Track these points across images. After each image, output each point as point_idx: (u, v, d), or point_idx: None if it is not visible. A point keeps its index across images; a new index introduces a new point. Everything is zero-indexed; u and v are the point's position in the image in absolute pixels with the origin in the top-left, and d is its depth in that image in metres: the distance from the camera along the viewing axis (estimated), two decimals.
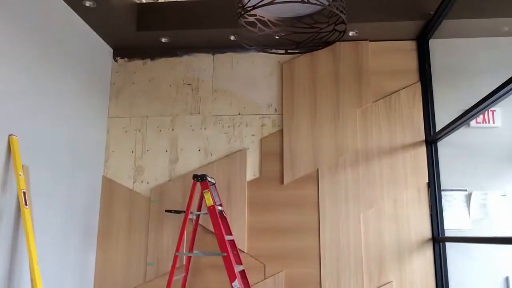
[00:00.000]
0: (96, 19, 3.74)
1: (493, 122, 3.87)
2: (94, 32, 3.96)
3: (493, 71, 3.92)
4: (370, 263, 3.74)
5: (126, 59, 4.34)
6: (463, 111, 3.28)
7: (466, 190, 3.80)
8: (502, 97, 2.67)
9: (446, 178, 3.83)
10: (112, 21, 3.77)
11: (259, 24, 2.56)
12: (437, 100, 3.96)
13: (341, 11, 2.24)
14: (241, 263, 3.65)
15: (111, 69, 4.31)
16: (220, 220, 3.41)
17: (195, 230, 3.79)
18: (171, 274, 3.35)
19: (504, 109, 3.86)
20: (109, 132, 4.19)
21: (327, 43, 2.63)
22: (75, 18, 3.64)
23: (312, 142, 3.97)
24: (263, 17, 2.54)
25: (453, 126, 3.40)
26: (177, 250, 3.38)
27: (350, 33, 3.96)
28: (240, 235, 3.86)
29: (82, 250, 3.71)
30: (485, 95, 2.81)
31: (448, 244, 3.70)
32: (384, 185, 3.83)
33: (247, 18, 2.49)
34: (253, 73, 4.19)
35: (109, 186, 4.07)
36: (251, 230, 3.87)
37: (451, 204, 3.79)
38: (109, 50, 4.29)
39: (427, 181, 3.82)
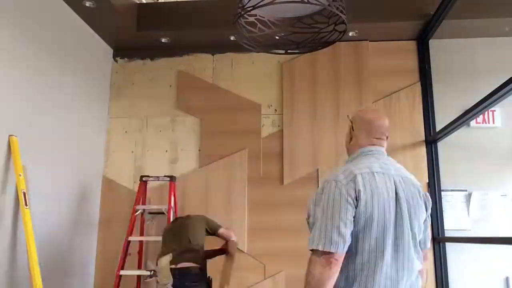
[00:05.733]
0: (96, 19, 3.74)
1: (493, 122, 3.87)
2: (94, 32, 3.96)
3: (493, 71, 3.91)
4: None
5: (126, 59, 4.34)
6: (463, 111, 3.28)
7: (466, 190, 3.80)
8: (502, 97, 2.66)
9: (446, 178, 3.82)
10: (112, 21, 3.77)
11: (259, 24, 2.56)
12: (437, 100, 3.95)
13: (341, 11, 2.24)
14: None
15: (111, 69, 4.31)
16: None
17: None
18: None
19: (504, 109, 3.85)
20: (109, 133, 4.19)
21: (327, 43, 2.63)
22: (75, 18, 3.64)
23: (312, 142, 3.97)
24: (263, 17, 2.53)
25: (453, 126, 3.40)
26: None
27: (350, 33, 3.95)
28: (240, 235, 3.85)
29: (82, 250, 3.71)
30: (485, 95, 2.81)
31: (448, 244, 3.70)
32: None
33: (247, 18, 2.49)
34: (253, 73, 4.18)
35: (109, 186, 4.06)
36: (251, 230, 3.87)
37: (451, 204, 3.78)
38: (109, 50, 4.29)
39: (427, 181, 3.82)
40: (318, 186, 3.84)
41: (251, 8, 2.16)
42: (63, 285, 3.41)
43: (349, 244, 1.52)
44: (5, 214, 2.75)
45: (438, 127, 3.83)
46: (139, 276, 3.74)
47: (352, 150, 1.79)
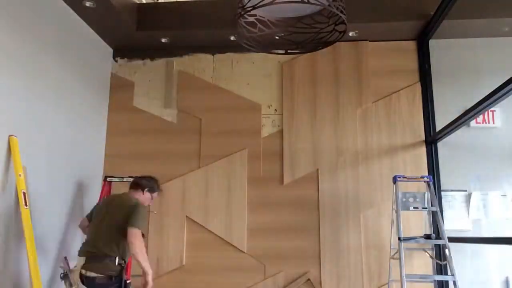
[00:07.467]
0: (96, 19, 3.74)
1: (493, 122, 3.87)
2: (94, 32, 3.96)
3: (493, 71, 3.91)
4: (370, 263, 3.73)
5: (126, 59, 4.34)
6: (463, 111, 3.28)
7: (466, 190, 3.80)
8: (502, 97, 2.67)
9: (446, 178, 3.82)
10: (112, 21, 3.77)
11: (259, 24, 2.56)
12: (437, 100, 3.96)
13: (341, 11, 2.24)
14: None
15: (111, 69, 4.31)
16: None
17: None
18: None
19: (504, 109, 3.85)
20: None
21: (327, 43, 2.63)
22: (75, 18, 3.64)
23: (312, 142, 3.97)
24: (263, 17, 2.54)
25: (453, 126, 3.40)
26: None
27: (350, 33, 3.96)
28: (240, 235, 3.85)
29: None
30: (485, 95, 2.81)
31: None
32: (384, 185, 3.83)
33: (247, 18, 2.49)
34: (253, 73, 4.18)
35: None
36: (251, 230, 3.87)
37: (451, 204, 3.78)
38: (109, 50, 4.28)
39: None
40: (318, 186, 3.87)
41: (251, 8, 2.16)
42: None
43: None
44: (5, 214, 2.75)
45: (438, 127, 3.83)
46: None
47: None
